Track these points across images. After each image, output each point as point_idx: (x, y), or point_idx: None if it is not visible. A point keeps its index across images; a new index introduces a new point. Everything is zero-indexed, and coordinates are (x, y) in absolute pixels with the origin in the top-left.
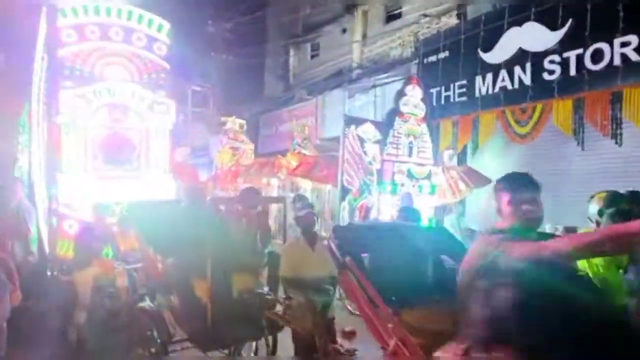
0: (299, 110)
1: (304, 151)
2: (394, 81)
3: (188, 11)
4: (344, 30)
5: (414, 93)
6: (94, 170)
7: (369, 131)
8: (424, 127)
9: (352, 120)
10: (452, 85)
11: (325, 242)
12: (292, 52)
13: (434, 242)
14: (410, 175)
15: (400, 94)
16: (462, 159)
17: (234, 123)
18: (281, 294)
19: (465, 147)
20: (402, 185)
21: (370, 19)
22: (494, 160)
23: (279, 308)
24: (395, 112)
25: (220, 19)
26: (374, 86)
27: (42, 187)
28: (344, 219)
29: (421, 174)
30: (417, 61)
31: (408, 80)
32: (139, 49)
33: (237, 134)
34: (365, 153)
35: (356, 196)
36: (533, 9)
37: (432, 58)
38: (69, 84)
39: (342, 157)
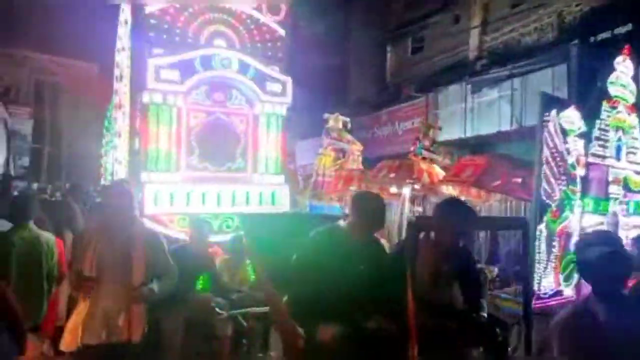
0: (402, 111)
1: (434, 157)
2: (541, 68)
3: None
4: (457, 19)
5: (625, 69)
6: (188, 168)
7: (573, 119)
8: (634, 118)
9: (554, 102)
10: None
11: None
12: (389, 49)
13: None
14: (626, 186)
15: (608, 69)
16: None
17: (336, 121)
18: None
19: None
20: (616, 200)
21: (492, 3)
22: None
23: None
24: (601, 95)
25: (305, 13)
26: (512, 76)
27: None
28: (541, 252)
29: (638, 186)
30: (575, 42)
31: (617, 51)
32: (251, 7)
33: (341, 133)
34: (567, 151)
35: (556, 216)
36: None
37: (604, 35)
38: (159, 51)
39: (539, 155)
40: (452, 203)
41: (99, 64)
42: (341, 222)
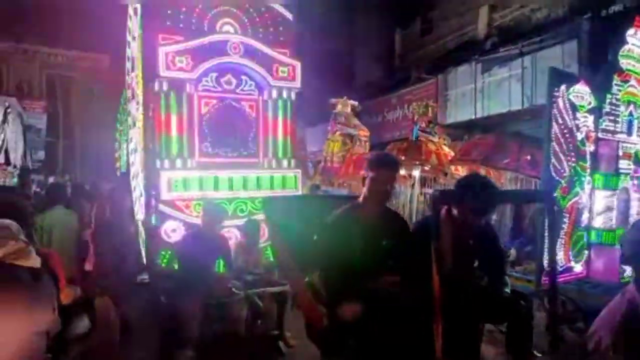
0: (412, 94)
1: (431, 138)
2: (552, 45)
3: None
4: None
5: (637, 41)
6: (201, 155)
7: (583, 94)
8: None
9: (563, 77)
10: None
11: None
12: (397, 31)
13: None
14: (637, 161)
15: (618, 42)
16: None
17: (344, 105)
18: None
19: None
20: (627, 175)
21: None
22: None
23: None
24: (612, 68)
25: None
26: (522, 54)
27: (140, 178)
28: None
29: None
30: (588, 15)
31: (629, 24)
32: None
33: (348, 118)
34: (577, 127)
35: (565, 193)
36: None
37: (615, 8)
38: (169, 38)
39: (548, 132)
40: (474, 176)
41: (110, 55)
42: (360, 200)
